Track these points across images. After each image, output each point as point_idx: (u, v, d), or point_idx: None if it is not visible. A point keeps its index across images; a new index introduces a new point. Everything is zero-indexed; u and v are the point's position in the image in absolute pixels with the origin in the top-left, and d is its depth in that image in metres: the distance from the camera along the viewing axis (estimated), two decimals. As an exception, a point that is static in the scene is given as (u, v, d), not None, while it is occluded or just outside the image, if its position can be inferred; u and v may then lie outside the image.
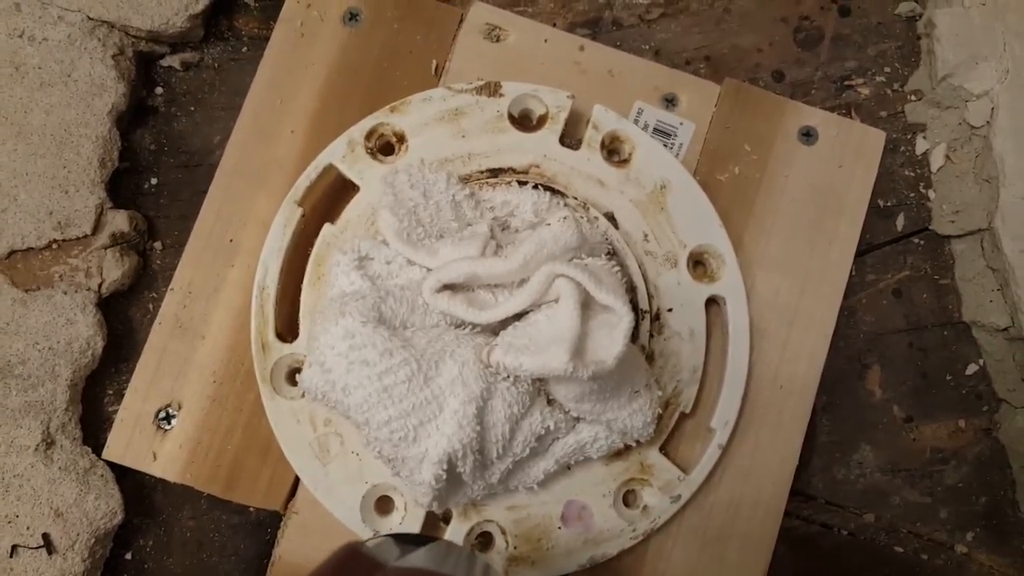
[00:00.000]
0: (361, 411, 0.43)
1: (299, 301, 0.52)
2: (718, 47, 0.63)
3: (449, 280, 0.46)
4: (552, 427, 0.47)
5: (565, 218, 0.47)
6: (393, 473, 0.46)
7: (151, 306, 0.58)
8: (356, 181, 0.53)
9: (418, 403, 0.43)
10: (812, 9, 0.64)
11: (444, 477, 0.44)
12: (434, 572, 0.36)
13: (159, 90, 0.61)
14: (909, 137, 0.63)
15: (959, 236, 0.61)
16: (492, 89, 0.55)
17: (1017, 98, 0.60)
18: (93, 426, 0.55)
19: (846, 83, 0.63)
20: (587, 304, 0.46)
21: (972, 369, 0.60)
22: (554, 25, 0.63)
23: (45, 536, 0.51)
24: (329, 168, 0.54)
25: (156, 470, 0.53)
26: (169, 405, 0.54)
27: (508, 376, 0.45)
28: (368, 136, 0.54)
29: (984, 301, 0.60)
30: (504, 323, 0.48)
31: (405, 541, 0.39)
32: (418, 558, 0.37)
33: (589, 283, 0.44)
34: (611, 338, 0.44)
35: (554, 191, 0.54)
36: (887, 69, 0.63)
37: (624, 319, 0.44)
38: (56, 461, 0.52)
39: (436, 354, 0.44)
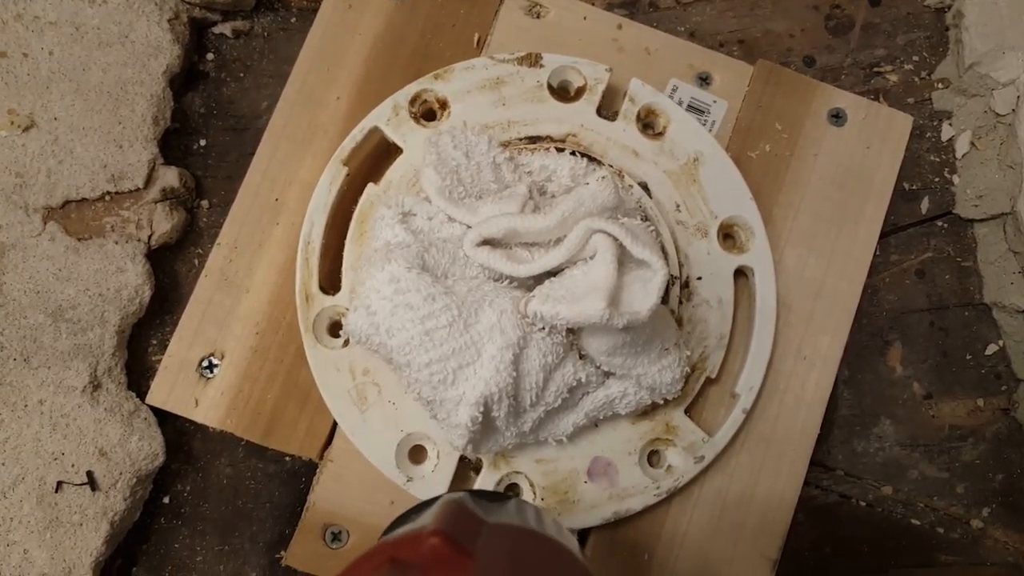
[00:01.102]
0: (403, 353, 0.45)
1: (341, 257, 0.54)
2: (751, 31, 0.65)
3: (489, 235, 0.48)
4: (583, 379, 0.49)
5: (604, 178, 0.49)
6: (431, 415, 0.48)
7: (196, 261, 0.60)
8: (399, 143, 0.55)
9: (458, 347, 0.45)
10: (843, -2, 0.66)
11: (480, 420, 0.45)
12: (528, 528, 0.37)
13: (210, 56, 0.63)
14: (935, 124, 0.64)
15: (982, 220, 0.63)
16: (533, 60, 0.57)
17: (1043, 87, 0.61)
18: (137, 373, 0.57)
19: (875, 70, 0.65)
20: (622, 260, 0.47)
21: (992, 349, 0.61)
22: (592, 4, 0.65)
23: (89, 474, 0.53)
24: (374, 131, 0.56)
25: (198, 416, 0.55)
26: (212, 354, 0.55)
27: (544, 327, 0.46)
28: (412, 101, 0.56)
29: (1005, 283, 0.61)
30: (539, 280, 0.49)
31: (482, 497, 0.41)
32: (507, 514, 0.39)
33: (626, 238, 0.46)
34: (646, 291, 0.46)
35: (591, 158, 0.56)
36: (915, 58, 0.65)
37: (659, 273, 0.45)
38: (102, 403, 0.54)
39: (476, 302, 0.46)
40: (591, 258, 0.47)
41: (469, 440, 0.46)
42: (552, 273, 0.49)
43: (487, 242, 0.49)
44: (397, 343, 0.45)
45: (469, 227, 0.50)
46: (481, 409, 0.45)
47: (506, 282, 0.49)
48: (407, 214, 0.51)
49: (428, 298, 0.45)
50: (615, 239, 0.46)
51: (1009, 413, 0.61)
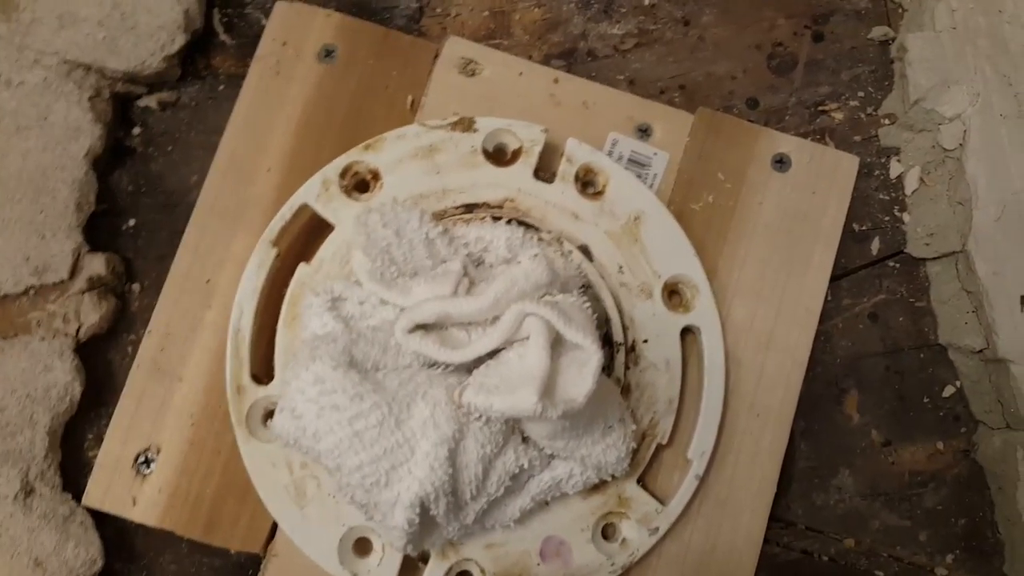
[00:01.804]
0: (332, 457, 0.43)
1: (275, 342, 0.53)
2: (692, 75, 0.63)
3: (421, 320, 0.47)
4: (526, 465, 0.47)
5: (536, 255, 0.47)
6: (367, 518, 0.46)
7: (130, 348, 0.58)
8: (331, 220, 0.54)
9: (389, 447, 0.43)
10: (786, 35, 0.64)
11: (417, 521, 0.44)
12: None
13: (137, 130, 0.61)
14: (883, 161, 0.63)
15: (934, 259, 0.62)
16: (466, 125, 0.56)
17: (988, 121, 0.60)
18: (74, 471, 0.55)
19: (820, 108, 0.63)
20: (558, 341, 0.46)
21: (949, 391, 0.60)
22: (530, 57, 0.63)
23: (25, 584, 0.51)
24: (304, 207, 0.54)
25: (136, 516, 0.53)
26: (148, 449, 0.54)
27: (480, 416, 0.45)
28: (343, 174, 0.54)
29: (959, 323, 0.60)
30: (479, 360, 0.48)
31: None
32: None
33: (558, 321, 0.44)
34: (581, 376, 0.44)
35: (528, 226, 0.54)
36: (861, 93, 0.64)
37: (593, 357, 0.44)
38: (35, 509, 0.52)
39: (408, 396, 0.45)
40: (525, 340, 0.46)
41: (408, 541, 0.45)
42: (492, 352, 0.48)
43: (421, 326, 0.48)
44: (325, 447, 0.43)
45: (403, 309, 0.49)
46: (417, 511, 0.43)
47: (441, 368, 0.47)
48: (337, 299, 0.49)
49: (355, 398, 0.43)
50: (548, 322, 0.45)
51: (969, 455, 0.60)
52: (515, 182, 0.56)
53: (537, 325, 0.45)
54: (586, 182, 0.57)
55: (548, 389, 0.44)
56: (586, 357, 0.45)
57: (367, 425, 0.43)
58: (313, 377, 0.43)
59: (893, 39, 0.65)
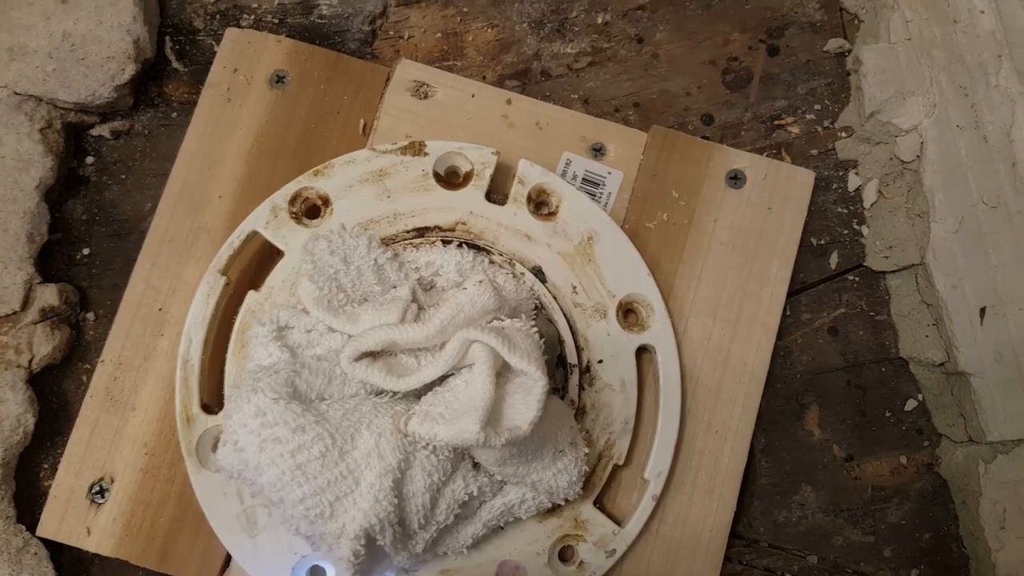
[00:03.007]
0: (275, 489, 0.43)
1: (225, 372, 0.52)
2: (647, 93, 0.63)
3: (366, 348, 0.47)
4: (476, 492, 0.47)
5: (481, 282, 0.47)
6: (313, 549, 0.46)
7: (85, 377, 0.57)
8: (281, 247, 0.54)
9: (333, 479, 0.43)
10: (740, 50, 0.64)
11: (363, 552, 0.43)
12: None
13: (90, 159, 0.61)
14: (841, 174, 0.63)
15: (893, 272, 0.61)
16: (416, 149, 0.56)
17: (945, 132, 0.60)
18: (30, 501, 0.55)
19: (776, 123, 0.63)
20: (505, 367, 0.46)
21: (911, 405, 0.60)
22: (483, 78, 0.63)
23: (-24, 620, 0.50)
24: (254, 235, 0.54)
25: (90, 545, 0.53)
26: (102, 479, 0.53)
27: (427, 445, 0.45)
28: (292, 201, 0.54)
29: (920, 336, 0.60)
30: (429, 386, 0.48)
31: None
32: None
33: (503, 348, 0.44)
34: (526, 403, 0.44)
35: (479, 248, 0.54)
36: (817, 107, 0.64)
37: (538, 384, 0.44)
38: (-13, 542, 0.52)
39: (352, 426, 0.44)
40: (471, 367, 0.46)
41: (356, 571, 0.44)
42: (442, 379, 0.47)
43: (368, 354, 0.47)
44: (268, 479, 0.43)
45: (351, 336, 0.48)
46: (363, 542, 0.43)
47: (389, 395, 0.47)
48: (283, 328, 0.49)
49: (297, 430, 0.43)
50: (492, 349, 0.44)
51: (933, 469, 0.60)
52: (467, 205, 0.55)
53: (482, 352, 0.45)
54: (539, 203, 0.57)
55: (493, 417, 0.44)
56: (531, 383, 0.45)
57: (309, 457, 0.43)
58: (254, 409, 0.43)
59: (849, 51, 0.65)
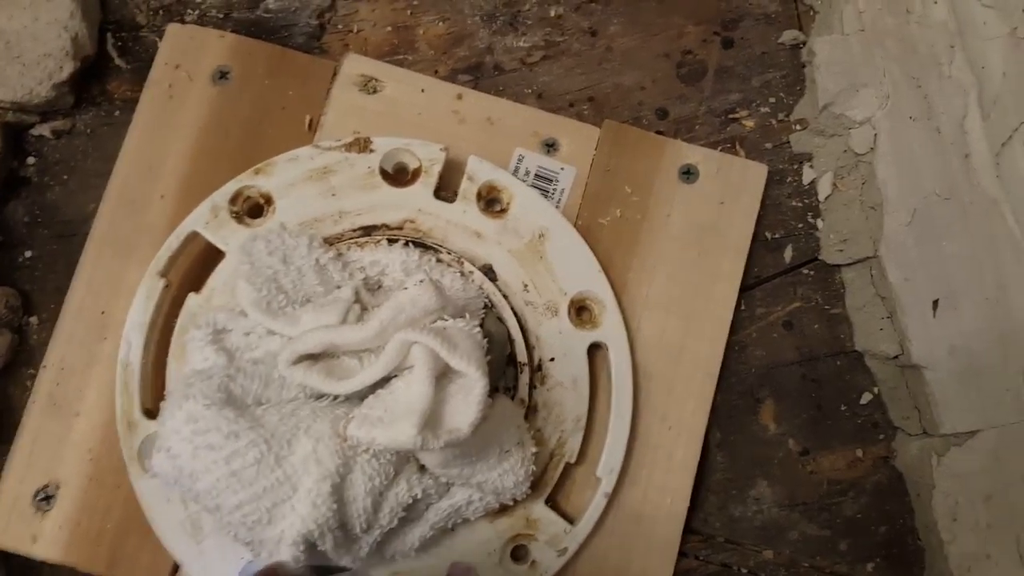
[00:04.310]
0: (211, 496, 0.42)
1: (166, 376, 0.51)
2: (601, 87, 0.62)
3: (305, 351, 0.46)
4: (420, 495, 0.47)
5: (422, 281, 0.46)
6: (254, 555, 0.45)
7: (30, 383, 0.56)
8: (222, 247, 0.53)
9: (270, 485, 0.42)
10: (694, 43, 0.64)
11: (303, 558, 0.43)
12: None
13: (31, 160, 0.59)
14: (796, 167, 0.63)
15: (848, 264, 0.61)
16: (362, 145, 0.55)
17: (897, 124, 0.60)
18: (-27, 509, 0.54)
19: (730, 116, 0.63)
20: (447, 369, 0.45)
21: (867, 398, 0.60)
22: (435, 72, 0.62)
23: (-85, 632, 0.49)
24: (193, 235, 0.53)
25: (37, 552, 0.52)
26: (47, 485, 0.53)
27: (368, 449, 0.44)
28: (233, 200, 0.53)
29: (875, 329, 0.60)
30: (372, 388, 0.47)
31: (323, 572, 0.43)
32: None
33: (442, 349, 0.44)
34: (467, 404, 0.43)
35: (427, 247, 0.53)
36: (772, 99, 0.63)
37: (477, 385, 0.43)
38: (-72, 552, 0.51)
39: (289, 431, 0.44)
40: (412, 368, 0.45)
41: (296, 576, 0.44)
42: (384, 381, 0.47)
43: (308, 357, 0.47)
44: (203, 486, 0.42)
45: (290, 339, 0.48)
46: (302, 548, 0.43)
47: (330, 399, 0.46)
48: (221, 332, 0.48)
49: (230, 436, 0.42)
50: (432, 350, 0.44)
51: (889, 462, 0.60)
52: (415, 202, 0.55)
53: (421, 354, 0.44)
54: (490, 200, 0.56)
55: (432, 419, 0.43)
56: (471, 385, 0.44)
57: (244, 464, 0.42)
58: (186, 416, 0.42)
59: (804, 43, 0.64)
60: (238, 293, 0.49)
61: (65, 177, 0.59)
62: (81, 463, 0.53)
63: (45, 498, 0.52)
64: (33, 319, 0.57)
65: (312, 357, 0.47)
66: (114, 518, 0.52)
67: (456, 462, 0.45)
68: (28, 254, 0.58)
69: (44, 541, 0.52)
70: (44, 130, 0.59)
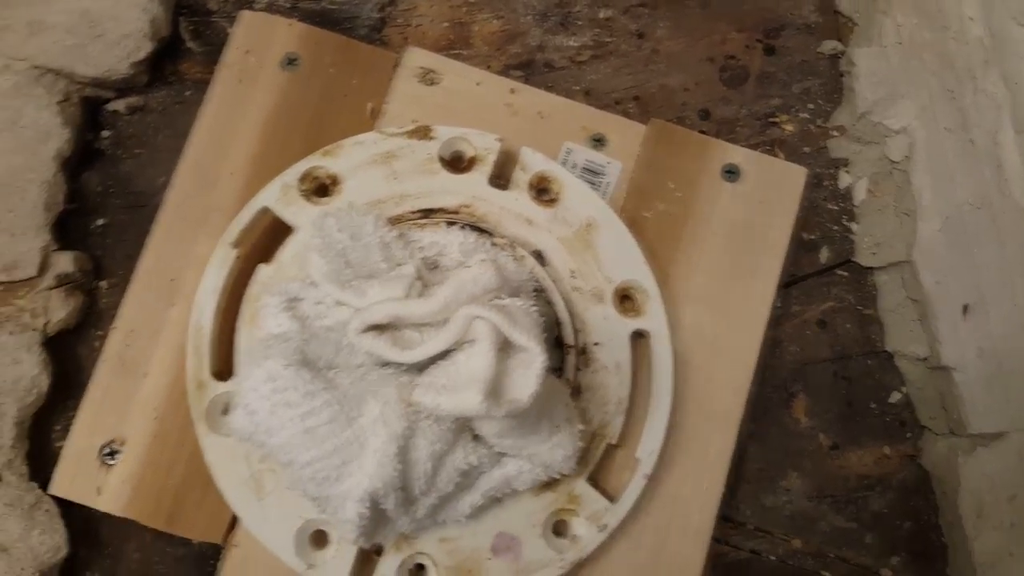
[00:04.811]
0: (285, 452, 0.45)
1: (235, 340, 0.54)
2: (647, 87, 0.65)
3: (373, 321, 0.48)
4: (476, 463, 0.49)
5: (484, 260, 0.49)
6: (319, 511, 0.48)
7: (97, 343, 0.59)
8: (291, 223, 0.55)
9: (341, 443, 0.45)
10: (738, 48, 0.66)
11: (368, 515, 0.45)
12: None
13: (106, 133, 0.62)
14: (832, 172, 0.65)
15: (881, 268, 0.64)
16: (423, 133, 0.58)
17: (933, 134, 0.62)
18: (42, 461, 0.56)
19: (771, 120, 0.65)
20: (507, 344, 0.48)
21: (896, 397, 0.62)
22: (488, 67, 0.65)
23: (-12, 572, 0.52)
24: (264, 210, 0.56)
25: (101, 504, 0.54)
26: (113, 441, 0.55)
27: (430, 414, 0.46)
28: (302, 179, 0.56)
29: (905, 331, 0.62)
30: (432, 360, 0.49)
31: None
32: None
33: (504, 324, 0.46)
34: (526, 377, 0.46)
35: (482, 231, 0.56)
36: (811, 106, 0.66)
37: (537, 359, 0.46)
38: (1, 497, 0.53)
39: (359, 394, 0.46)
40: (473, 342, 0.48)
41: (360, 534, 0.46)
42: (444, 353, 0.49)
43: (374, 327, 0.49)
44: (278, 442, 0.45)
45: (358, 310, 0.50)
46: (367, 505, 0.45)
47: (393, 368, 0.49)
48: (293, 300, 0.51)
49: (307, 395, 0.45)
50: (494, 325, 0.46)
51: (915, 460, 0.62)
52: (471, 189, 0.57)
53: (484, 328, 0.46)
54: (540, 189, 0.59)
55: (494, 390, 0.45)
56: (531, 359, 0.46)
57: (318, 422, 0.45)
58: (266, 375, 0.45)
59: (843, 53, 0.67)
60: (310, 265, 0.51)
61: (137, 151, 0.62)
62: (146, 421, 0.55)
63: (110, 453, 0.55)
64: (103, 283, 0.60)
65: (378, 327, 0.49)
66: (176, 475, 0.55)
67: (511, 433, 0.48)
68: (100, 222, 0.61)
69: (108, 494, 0.54)
70: (119, 106, 0.62)
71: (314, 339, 0.48)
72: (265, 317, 0.50)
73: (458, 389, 0.45)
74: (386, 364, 0.49)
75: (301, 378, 0.45)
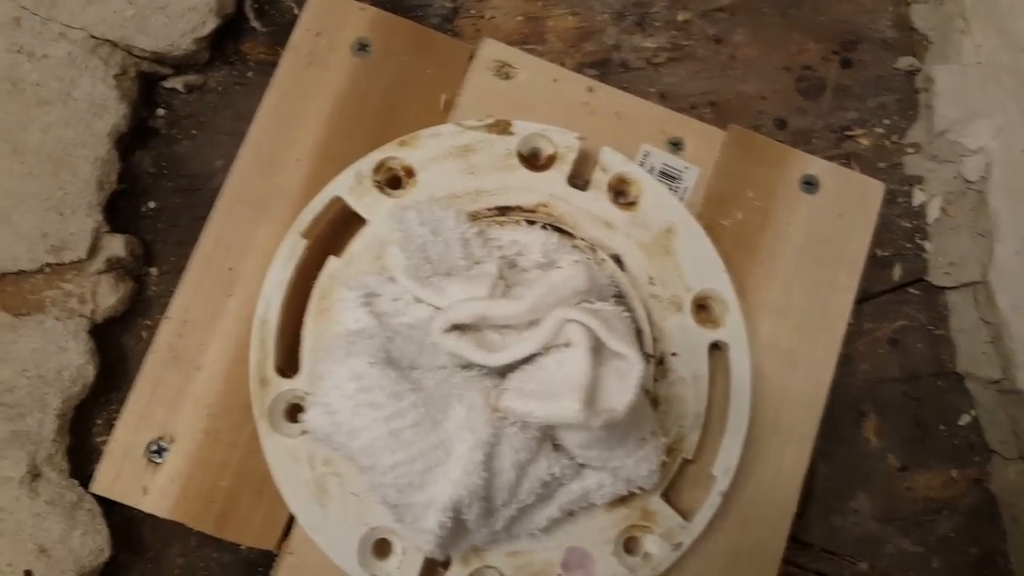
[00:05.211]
0: (367, 455, 0.42)
1: (300, 335, 0.51)
2: (723, 93, 0.64)
3: (458, 320, 0.46)
4: (558, 473, 0.47)
5: (576, 262, 0.47)
6: (396, 519, 0.45)
7: (144, 334, 0.56)
8: (363, 214, 0.53)
9: (426, 448, 0.42)
10: (815, 59, 0.65)
11: (449, 524, 0.43)
12: None
13: (161, 111, 0.60)
14: (906, 189, 0.64)
15: (954, 288, 0.62)
16: (502, 127, 0.55)
17: (1012, 155, 0.61)
18: (80, 457, 0.54)
19: (846, 133, 0.64)
20: (597, 350, 0.45)
21: (965, 420, 0.61)
22: (563, 64, 0.63)
23: (27, 573, 0.49)
24: (335, 200, 0.53)
25: (146, 505, 0.51)
26: (161, 438, 0.52)
27: (516, 422, 0.44)
28: (376, 169, 0.53)
29: (977, 353, 0.61)
30: (511, 365, 0.47)
31: None
32: None
33: (601, 329, 0.44)
34: (622, 386, 0.44)
35: (562, 232, 0.54)
36: (886, 121, 0.65)
37: (636, 367, 0.44)
38: (42, 494, 0.50)
39: (444, 397, 0.44)
40: (565, 346, 0.45)
41: (437, 544, 0.44)
42: (526, 358, 0.47)
43: (456, 327, 0.47)
44: (360, 444, 0.42)
45: (437, 308, 0.48)
46: (450, 514, 0.42)
47: (476, 370, 0.47)
48: (370, 295, 0.48)
49: (393, 396, 0.42)
50: (590, 330, 0.44)
51: (983, 484, 0.60)
52: (549, 187, 0.55)
53: (579, 332, 0.44)
54: (618, 191, 0.57)
55: (589, 398, 0.43)
56: (628, 367, 0.44)
57: (404, 425, 0.42)
58: (350, 373, 0.42)
59: (918, 70, 0.66)
60: (390, 259, 0.49)
61: (193, 132, 0.60)
62: (198, 417, 0.52)
63: (157, 450, 0.52)
64: (153, 270, 0.57)
65: (459, 328, 0.47)
66: (228, 476, 0.52)
67: (599, 444, 0.46)
68: (151, 205, 0.58)
69: (154, 494, 0.51)
70: (177, 83, 0.60)
71: (398, 337, 0.45)
72: (342, 312, 0.47)
73: (551, 396, 0.43)
74: (468, 366, 0.47)
75: (388, 377, 0.43)
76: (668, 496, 0.54)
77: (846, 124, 0.64)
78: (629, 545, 0.53)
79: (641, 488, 0.49)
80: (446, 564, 0.50)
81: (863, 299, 0.61)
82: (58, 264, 0.53)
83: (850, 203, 0.60)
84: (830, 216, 0.60)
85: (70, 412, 0.52)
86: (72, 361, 0.52)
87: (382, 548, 0.50)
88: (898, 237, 0.63)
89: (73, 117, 0.55)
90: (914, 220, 0.63)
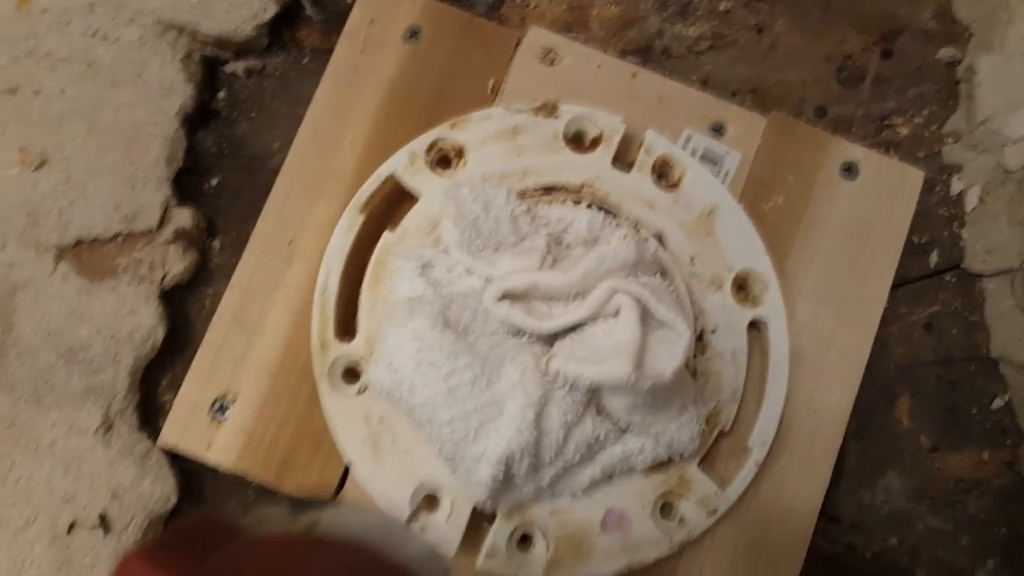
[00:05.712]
0: (425, 410, 0.45)
1: (356, 302, 0.54)
2: (764, 81, 0.65)
3: (510, 289, 0.48)
4: (602, 436, 0.49)
5: (625, 236, 0.49)
6: (451, 471, 0.48)
7: (207, 302, 0.59)
8: (416, 192, 0.55)
9: (480, 405, 0.45)
10: (855, 49, 0.66)
11: (500, 477, 0.45)
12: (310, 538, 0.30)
13: (222, 94, 0.63)
14: (945, 177, 0.65)
15: (990, 275, 0.63)
16: (549, 110, 0.58)
17: (1051, 144, 0.62)
18: (147, 414, 0.57)
19: (886, 122, 0.65)
20: (645, 319, 0.48)
21: (998, 404, 0.62)
22: (606, 51, 0.65)
23: (102, 516, 0.52)
24: (390, 178, 0.56)
25: (211, 458, 0.54)
26: (225, 396, 0.55)
27: (564, 384, 0.46)
28: (428, 149, 0.56)
29: (1012, 339, 0.62)
30: (557, 335, 0.50)
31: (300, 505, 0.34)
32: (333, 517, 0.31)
33: (650, 299, 0.46)
34: (670, 353, 0.46)
35: (606, 210, 0.56)
36: (925, 111, 0.66)
37: (683, 335, 0.46)
38: (114, 444, 0.53)
39: (498, 360, 0.46)
40: (613, 316, 0.48)
41: (489, 496, 0.46)
42: (571, 328, 0.49)
43: (507, 296, 0.49)
44: (419, 400, 0.45)
45: (487, 280, 0.50)
46: (502, 467, 0.45)
47: (526, 337, 0.49)
48: (426, 266, 0.51)
49: (451, 356, 0.45)
50: (638, 300, 0.46)
51: (1013, 467, 0.61)
52: (594, 168, 0.57)
53: (628, 302, 0.47)
54: (662, 173, 0.59)
55: (638, 363, 0.45)
56: (675, 336, 0.47)
57: (460, 382, 0.45)
58: (412, 334, 0.45)
59: (959, 60, 0.67)
60: (444, 232, 0.51)
61: (252, 114, 0.63)
62: (260, 378, 0.55)
63: (221, 408, 0.55)
64: (215, 242, 0.60)
65: (510, 297, 0.49)
66: (287, 432, 0.55)
67: (643, 408, 0.48)
68: (214, 182, 0.61)
69: (218, 447, 0.54)
70: (237, 67, 0.63)
71: (453, 303, 0.48)
72: (400, 280, 0.50)
73: (604, 359, 0.45)
74: (518, 333, 0.49)
75: (447, 339, 0.45)
76: (703, 465, 0.56)
77: (885, 113, 0.66)
78: (665, 509, 0.55)
79: (681, 455, 0.51)
80: (491, 519, 0.53)
81: (899, 284, 0.63)
82: (130, 233, 0.56)
83: (889, 190, 0.61)
84: (869, 202, 0.61)
85: (140, 371, 0.56)
86: (143, 323, 0.55)
87: (431, 502, 0.53)
88: (935, 224, 0.64)
89: (144, 97, 0.59)
90: (952, 208, 0.65)
